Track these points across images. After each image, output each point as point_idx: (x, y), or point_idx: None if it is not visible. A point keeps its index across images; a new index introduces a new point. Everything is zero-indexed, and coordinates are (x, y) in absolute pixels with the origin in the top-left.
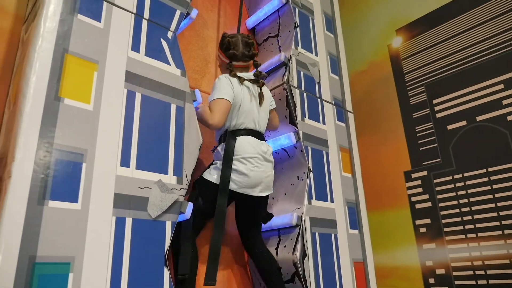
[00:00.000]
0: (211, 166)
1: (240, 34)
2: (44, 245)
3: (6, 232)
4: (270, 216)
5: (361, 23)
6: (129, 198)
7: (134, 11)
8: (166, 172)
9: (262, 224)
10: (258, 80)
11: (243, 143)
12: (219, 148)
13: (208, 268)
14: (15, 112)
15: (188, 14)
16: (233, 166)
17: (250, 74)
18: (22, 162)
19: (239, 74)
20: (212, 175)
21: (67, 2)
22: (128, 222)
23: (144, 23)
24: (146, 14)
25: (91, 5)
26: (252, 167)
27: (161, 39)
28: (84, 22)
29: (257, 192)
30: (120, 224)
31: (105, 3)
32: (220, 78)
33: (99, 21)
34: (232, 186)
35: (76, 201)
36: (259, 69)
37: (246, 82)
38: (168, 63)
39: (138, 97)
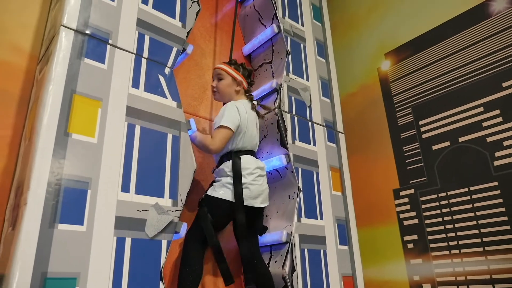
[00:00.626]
0: (215, 184)
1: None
2: (54, 263)
3: (22, 251)
4: (266, 228)
5: (352, 47)
6: (128, 220)
7: (135, 51)
8: (162, 196)
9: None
10: (255, 106)
11: (247, 161)
12: (223, 167)
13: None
14: (30, 147)
15: (184, 49)
16: (245, 184)
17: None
18: (36, 191)
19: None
20: (218, 192)
21: (75, 48)
22: (128, 242)
23: (144, 62)
24: (145, 53)
25: (96, 49)
26: (252, 181)
27: (159, 75)
28: (90, 65)
29: (258, 203)
30: (120, 243)
31: (108, 46)
32: (228, 106)
33: (103, 63)
34: (247, 201)
35: (82, 223)
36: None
37: (240, 103)
38: (165, 97)
39: (137, 129)
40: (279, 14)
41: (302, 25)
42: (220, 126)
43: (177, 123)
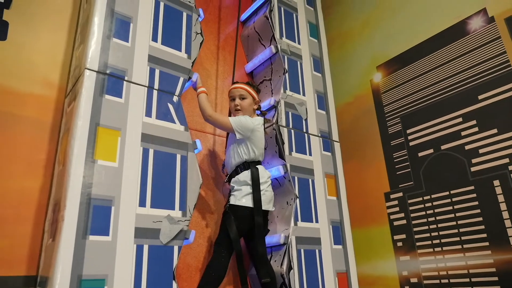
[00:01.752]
0: (235, 193)
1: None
2: (87, 267)
3: (62, 258)
4: (268, 230)
5: (348, 59)
6: (146, 230)
7: (147, 85)
8: (173, 208)
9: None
10: (262, 113)
11: (261, 171)
12: (242, 177)
13: (259, 271)
14: (64, 172)
15: (189, 78)
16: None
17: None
18: (71, 209)
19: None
20: (241, 200)
21: (98, 87)
22: (146, 248)
23: (155, 93)
24: (156, 85)
25: (115, 86)
26: (267, 188)
27: (168, 103)
28: (110, 100)
29: (271, 207)
30: (139, 249)
31: (124, 82)
32: (247, 117)
33: (121, 97)
34: (265, 206)
35: (108, 234)
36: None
37: (255, 118)
38: (174, 122)
39: (151, 152)
40: (277, 35)
41: (299, 43)
42: (230, 119)
43: (185, 144)
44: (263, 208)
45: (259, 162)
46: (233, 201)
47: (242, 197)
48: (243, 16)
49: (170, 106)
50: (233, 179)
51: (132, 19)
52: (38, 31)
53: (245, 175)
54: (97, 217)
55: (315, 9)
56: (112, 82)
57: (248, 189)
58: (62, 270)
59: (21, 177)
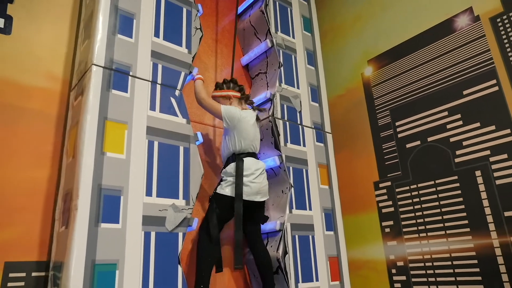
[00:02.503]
0: (222, 183)
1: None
2: (100, 252)
3: (76, 245)
4: (266, 218)
5: (340, 53)
6: (152, 218)
7: (150, 79)
8: (177, 197)
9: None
10: (253, 108)
11: (247, 163)
12: (229, 168)
13: (235, 256)
14: (75, 164)
15: (190, 72)
16: (245, 182)
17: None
18: (83, 199)
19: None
20: (225, 190)
21: (104, 82)
22: (153, 235)
23: (158, 87)
24: (159, 80)
25: (121, 81)
26: (253, 180)
27: (171, 97)
28: (117, 95)
29: (258, 198)
30: (147, 236)
31: (130, 77)
32: (233, 107)
33: (126, 92)
34: (245, 196)
35: (118, 222)
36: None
37: (244, 111)
38: (177, 115)
39: (156, 144)
40: (272, 29)
41: (293, 37)
42: (221, 106)
43: (187, 136)
44: (247, 198)
45: (250, 154)
46: (218, 190)
47: (226, 187)
48: (239, 10)
49: (173, 100)
50: (223, 170)
51: (135, 15)
52: (41, 25)
53: (231, 167)
54: (108, 206)
55: (308, 3)
56: (118, 77)
57: (232, 179)
58: (77, 256)
59: (30, 168)
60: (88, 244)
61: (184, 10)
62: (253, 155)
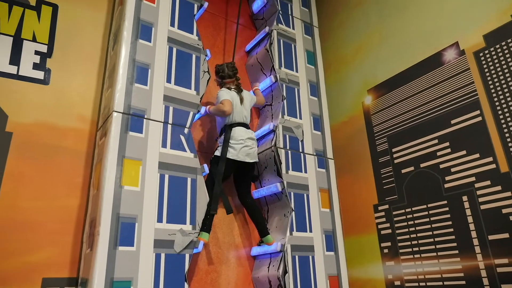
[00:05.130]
0: (218, 148)
1: (226, 63)
2: (118, 271)
3: (98, 265)
4: (256, 177)
5: (343, 82)
6: (163, 242)
7: (163, 120)
8: (185, 223)
9: (251, 191)
10: (240, 88)
11: (236, 131)
12: (221, 136)
13: (224, 205)
14: (98, 196)
15: (198, 111)
16: (230, 145)
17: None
18: (105, 226)
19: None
20: (216, 152)
21: (123, 126)
22: (163, 256)
23: (169, 127)
24: (170, 120)
25: (137, 123)
26: (241, 145)
27: (180, 135)
28: (133, 136)
29: (248, 160)
30: (158, 257)
31: (144, 120)
32: (221, 90)
33: (141, 132)
34: (229, 155)
35: (133, 245)
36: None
37: (233, 91)
38: (185, 151)
39: (166, 177)
40: (276, 66)
41: (297, 71)
42: (223, 100)
43: (194, 169)
44: (238, 159)
45: (241, 124)
46: (216, 152)
47: (218, 150)
48: (248, 47)
49: (182, 137)
50: (218, 139)
51: (150, 65)
52: (74, 75)
53: (223, 136)
54: (124, 232)
55: (312, 37)
56: (135, 120)
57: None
58: (99, 274)
59: (64, 197)
60: (108, 264)
61: (194, 56)
62: (243, 125)
